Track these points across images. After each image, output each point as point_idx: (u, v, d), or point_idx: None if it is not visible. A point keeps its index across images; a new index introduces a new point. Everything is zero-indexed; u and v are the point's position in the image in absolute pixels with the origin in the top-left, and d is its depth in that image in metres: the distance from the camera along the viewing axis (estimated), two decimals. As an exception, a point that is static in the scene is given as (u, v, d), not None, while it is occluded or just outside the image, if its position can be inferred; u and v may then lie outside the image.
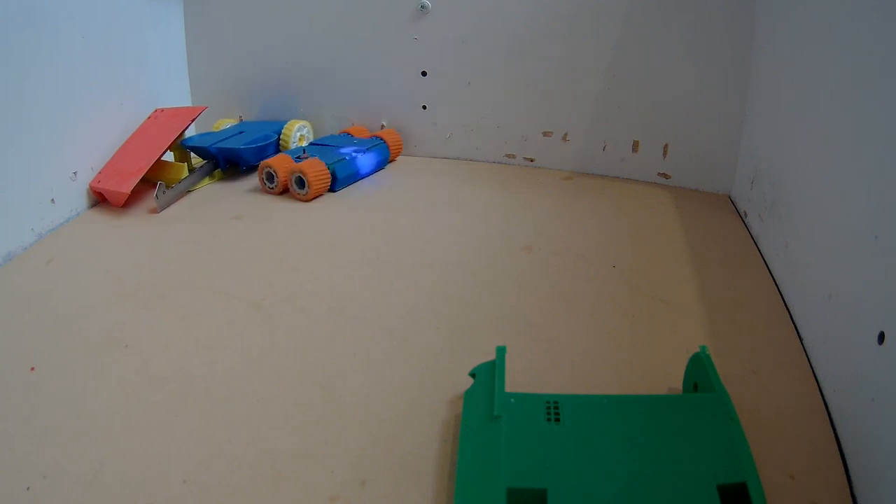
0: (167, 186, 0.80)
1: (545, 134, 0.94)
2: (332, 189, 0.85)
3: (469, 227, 0.76)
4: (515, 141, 0.95)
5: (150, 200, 0.81)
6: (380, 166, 0.93)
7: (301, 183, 0.82)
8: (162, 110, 0.89)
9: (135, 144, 0.84)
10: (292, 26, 0.96)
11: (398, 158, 1.00)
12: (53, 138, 0.74)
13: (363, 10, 0.93)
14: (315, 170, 0.81)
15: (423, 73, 0.95)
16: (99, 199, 0.81)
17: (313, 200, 0.83)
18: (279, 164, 0.83)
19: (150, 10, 0.91)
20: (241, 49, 0.99)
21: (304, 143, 0.98)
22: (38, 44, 0.71)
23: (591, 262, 0.68)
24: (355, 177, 0.88)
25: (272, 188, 0.84)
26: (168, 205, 0.81)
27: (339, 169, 0.85)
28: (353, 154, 0.88)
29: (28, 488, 0.40)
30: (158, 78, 0.95)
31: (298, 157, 0.85)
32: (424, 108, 0.97)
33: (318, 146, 0.91)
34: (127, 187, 0.77)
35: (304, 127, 0.98)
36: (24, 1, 0.68)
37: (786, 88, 0.68)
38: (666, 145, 0.88)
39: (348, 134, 0.96)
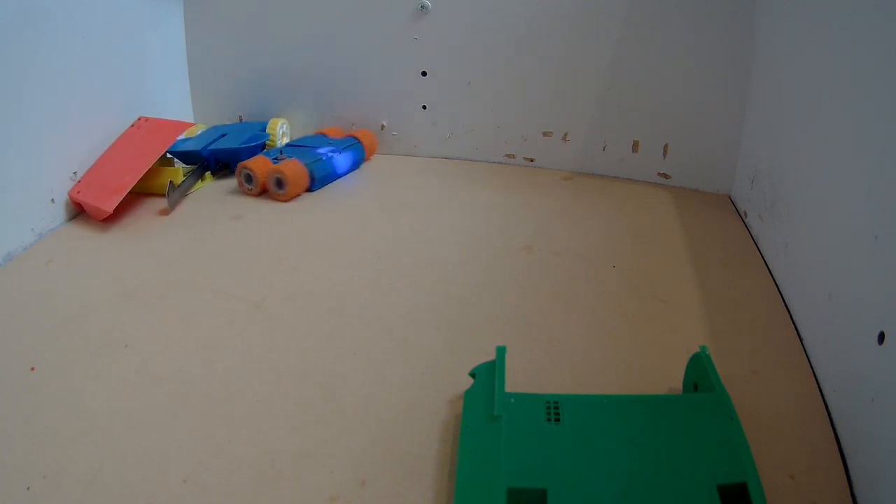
0: (175, 185, 0.81)
1: (545, 134, 0.94)
2: (309, 189, 0.85)
3: (469, 227, 0.76)
4: (515, 141, 0.95)
5: (133, 214, 0.79)
6: (355, 166, 0.93)
7: (280, 184, 0.82)
8: (146, 119, 0.86)
9: (117, 154, 0.81)
10: (292, 27, 0.96)
11: (395, 159, 1.00)
12: (53, 138, 0.74)
13: (363, 10, 0.93)
14: (293, 170, 0.82)
15: (423, 73, 0.95)
16: (78, 210, 0.78)
17: (292, 201, 0.83)
18: (257, 165, 0.83)
19: (150, 10, 0.91)
20: (241, 49, 0.99)
21: (286, 140, 0.99)
22: (39, 44, 0.71)
23: (591, 262, 0.68)
24: (332, 176, 0.88)
25: (251, 189, 0.84)
26: (177, 204, 0.81)
27: (317, 169, 0.85)
28: (330, 154, 0.88)
29: (28, 488, 0.40)
30: (158, 78, 0.95)
31: (276, 159, 0.85)
32: (424, 108, 0.97)
33: (296, 147, 0.91)
34: (109, 205, 0.73)
35: (284, 124, 1.00)
36: (24, 1, 0.68)
37: (786, 88, 0.68)
38: (666, 145, 0.88)
39: (323, 135, 0.95)
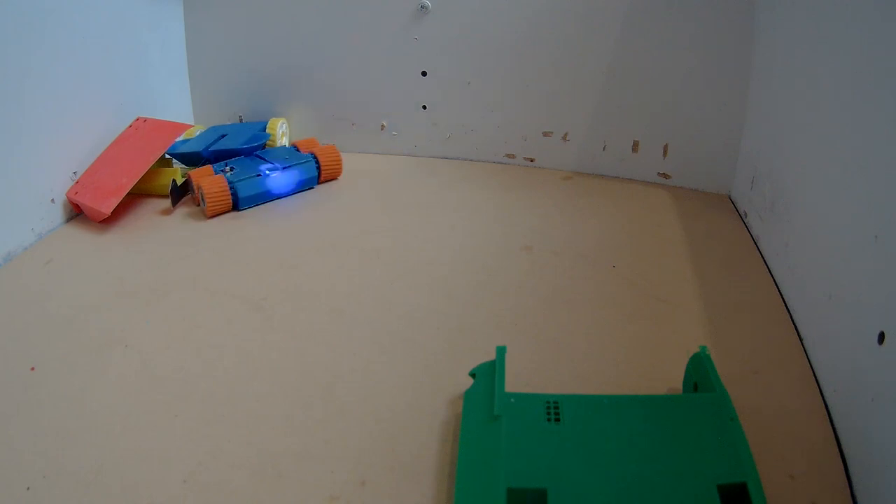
0: (178, 183, 0.81)
1: (545, 134, 0.94)
2: (236, 208, 0.80)
3: (469, 227, 0.76)
4: (515, 141, 0.95)
5: (132, 214, 0.79)
6: (302, 186, 0.86)
7: (203, 199, 0.78)
8: (144, 120, 0.86)
9: (115, 155, 0.81)
10: (292, 27, 0.96)
11: (395, 159, 0.99)
12: (53, 138, 0.74)
13: (363, 10, 0.93)
14: (212, 189, 0.77)
15: (423, 73, 0.95)
16: (76, 211, 0.78)
17: (213, 218, 0.78)
18: (196, 175, 0.81)
19: (149, 10, 0.91)
20: (240, 49, 0.99)
21: (285, 140, 0.99)
22: (39, 44, 0.71)
23: (591, 262, 0.68)
24: (264, 196, 0.82)
25: (195, 198, 0.82)
26: (180, 203, 0.81)
27: (242, 188, 0.79)
28: (266, 173, 0.82)
29: (28, 488, 0.40)
30: (158, 78, 0.95)
31: (222, 171, 0.81)
32: (424, 108, 0.97)
33: (258, 158, 0.86)
34: (107, 207, 0.73)
35: (284, 124, 0.99)
36: (24, 2, 0.68)
37: (786, 88, 0.68)
38: (666, 145, 0.88)
39: (295, 147, 0.91)
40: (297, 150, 0.89)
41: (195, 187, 0.80)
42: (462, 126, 0.97)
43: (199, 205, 0.81)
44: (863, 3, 0.50)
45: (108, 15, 0.82)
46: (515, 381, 0.49)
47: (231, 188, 0.79)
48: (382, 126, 1.00)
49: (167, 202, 0.81)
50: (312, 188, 0.87)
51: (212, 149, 0.87)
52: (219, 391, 0.49)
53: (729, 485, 0.34)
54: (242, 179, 0.80)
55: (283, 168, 0.84)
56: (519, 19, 0.88)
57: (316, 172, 0.87)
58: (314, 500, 0.40)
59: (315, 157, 0.88)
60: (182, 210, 0.80)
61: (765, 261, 0.68)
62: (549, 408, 0.39)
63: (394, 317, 0.58)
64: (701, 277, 0.65)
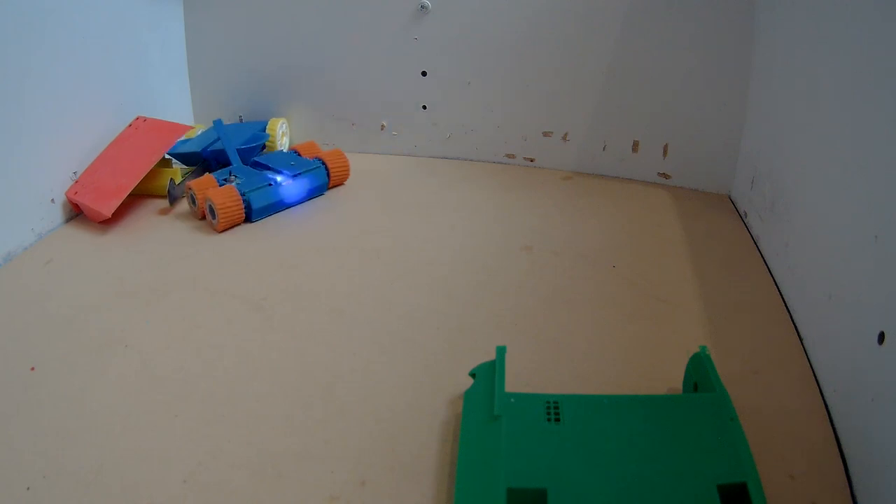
0: (176, 183, 0.81)
1: (545, 134, 0.94)
2: (248, 220, 0.76)
3: (469, 227, 0.76)
4: (515, 141, 0.95)
5: (133, 214, 0.78)
6: (313, 193, 0.83)
7: (213, 212, 0.74)
8: (144, 119, 0.85)
9: (115, 155, 0.81)
10: (292, 27, 0.96)
11: (395, 159, 0.99)
12: (53, 138, 0.74)
13: (363, 10, 0.93)
14: (224, 201, 0.73)
15: (423, 73, 0.95)
16: (76, 211, 0.77)
17: (224, 231, 0.74)
18: (200, 187, 0.76)
19: (149, 10, 0.91)
20: (241, 49, 0.99)
21: (286, 140, 0.99)
22: (39, 44, 0.71)
23: (591, 262, 0.68)
24: (277, 206, 0.79)
25: (195, 211, 0.77)
26: (177, 202, 0.81)
27: (255, 198, 0.76)
28: (278, 181, 0.79)
29: (28, 488, 0.40)
30: (158, 78, 0.95)
31: (224, 180, 0.78)
32: (424, 108, 0.97)
33: (258, 166, 0.84)
34: (108, 209, 0.72)
35: (284, 124, 0.99)
36: (24, 2, 0.68)
37: (786, 88, 0.68)
38: (666, 145, 0.88)
39: (296, 152, 0.88)
40: (298, 154, 0.88)
41: (199, 199, 0.75)
42: (462, 126, 0.97)
43: (202, 218, 0.77)
44: (863, 3, 0.50)
45: (108, 15, 0.82)
46: (515, 381, 0.49)
47: (244, 199, 0.75)
48: (382, 126, 1.00)
49: (167, 202, 0.81)
50: (322, 195, 0.85)
51: (211, 149, 0.87)
52: (219, 391, 0.49)
53: (729, 485, 0.34)
54: (254, 190, 0.76)
55: (294, 176, 0.81)
56: (519, 19, 0.88)
57: (326, 179, 0.85)
58: (314, 500, 0.40)
59: (324, 164, 0.85)
60: (182, 210, 0.80)
61: (765, 261, 0.68)
62: (549, 408, 0.39)
63: (394, 317, 0.58)
64: (701, 277, 0.65)
